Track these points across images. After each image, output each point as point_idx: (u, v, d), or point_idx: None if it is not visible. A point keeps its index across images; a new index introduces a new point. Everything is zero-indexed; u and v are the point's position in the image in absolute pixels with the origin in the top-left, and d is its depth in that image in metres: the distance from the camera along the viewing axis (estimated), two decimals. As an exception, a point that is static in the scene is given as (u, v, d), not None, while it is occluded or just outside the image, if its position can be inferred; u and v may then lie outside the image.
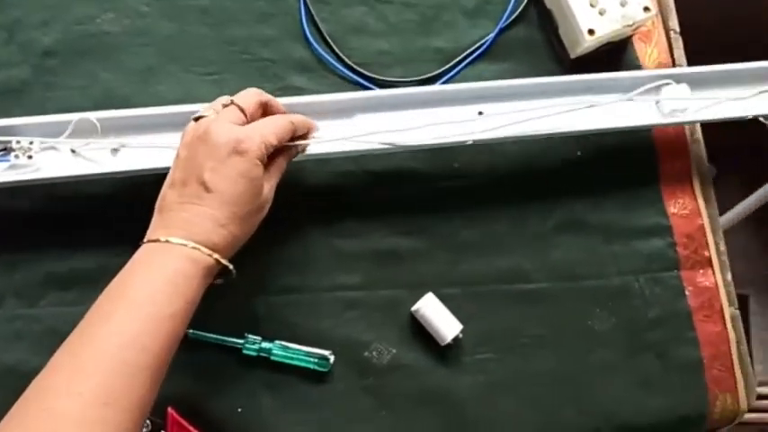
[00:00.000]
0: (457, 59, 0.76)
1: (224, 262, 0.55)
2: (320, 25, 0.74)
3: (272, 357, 0.66)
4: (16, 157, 0.62)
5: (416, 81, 0.74)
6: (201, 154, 0.54)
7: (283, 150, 0.60)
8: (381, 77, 0.73)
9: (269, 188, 0.58)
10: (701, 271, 0.77)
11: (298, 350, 0.66)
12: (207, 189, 0.53)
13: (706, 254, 0.77)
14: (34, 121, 0.63)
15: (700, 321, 0.75)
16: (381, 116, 0.68)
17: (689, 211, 0.78)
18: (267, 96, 0.60)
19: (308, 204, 0.70)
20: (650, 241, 0.76)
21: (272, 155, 0.57)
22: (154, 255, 0.53)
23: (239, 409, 0.65)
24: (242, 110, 0.57)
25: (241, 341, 0.66)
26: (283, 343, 0.66)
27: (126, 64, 0.71)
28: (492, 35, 0.77)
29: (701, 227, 0.78)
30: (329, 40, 0.73)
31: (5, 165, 0.62)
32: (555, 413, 0.71)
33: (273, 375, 0.67)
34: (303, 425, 0.66)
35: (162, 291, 0.51)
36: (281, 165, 0.60)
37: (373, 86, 0.73)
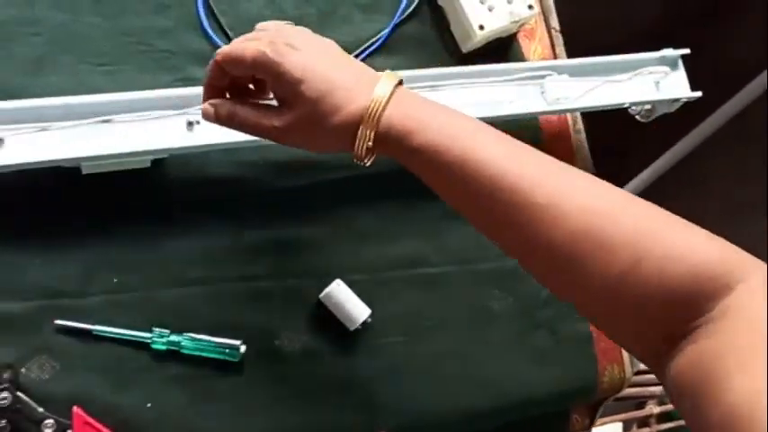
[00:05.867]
0: (354, 54, 0.78)
1: None
2: (219, 17, 0.73)
3: (183, 350, 0.65)
4: None
5: (316, 73, 0.75)
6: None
7: None
8: (282, 70, 0.74)
9: None
10: (587, 251, 0.82)
11: (208, 341, 0.65)
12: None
13: (590, 235, 0.83)
14: None
15: (587, 297, 0.81)
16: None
17: (573, 196, 0.83)
18: None
19: (213, 195, 0.70)
20: (541, 224, 0.81)
21: None
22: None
23: (149, 405, 0.64)
24: None
25: (149, 335, 0.64)
26: (192, 335, 0.65)
27: (16, 54, 0.67)
28: (387, 30, 0.79)
29: (585, 210, 0.83)
30: (228, 32, 0.73)
31: None
32: (458, 392, 0.74)
33: (183, 368, 0.65)
34: (216, 416, 0.66)
35: None
36: None
37: (274, 79, 0.73)
